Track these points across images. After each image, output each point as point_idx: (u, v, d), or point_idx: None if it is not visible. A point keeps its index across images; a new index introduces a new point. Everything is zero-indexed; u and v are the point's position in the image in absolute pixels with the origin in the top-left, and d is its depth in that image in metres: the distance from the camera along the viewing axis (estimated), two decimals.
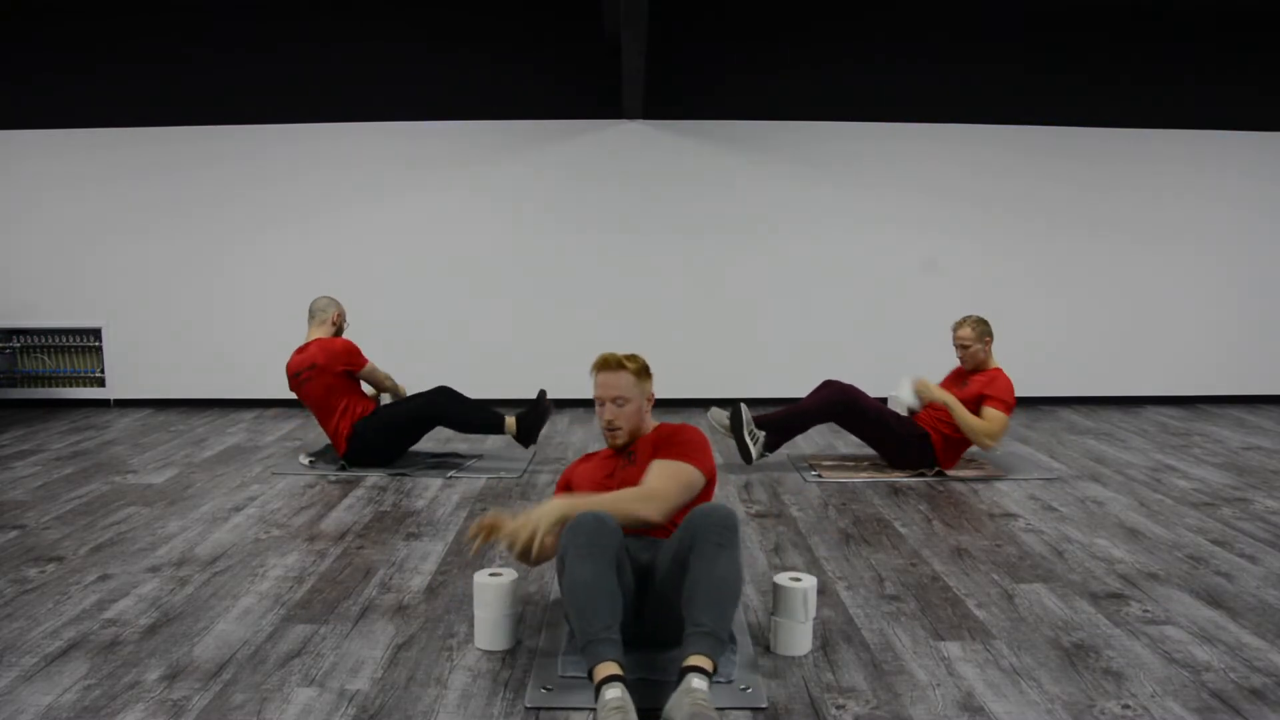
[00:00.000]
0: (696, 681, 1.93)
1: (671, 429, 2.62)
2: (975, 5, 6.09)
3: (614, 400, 2.61)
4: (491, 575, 2.41)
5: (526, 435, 4.40)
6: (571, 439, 5.19)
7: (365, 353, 4.58)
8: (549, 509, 2.26)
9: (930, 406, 4.38)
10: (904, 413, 4.41)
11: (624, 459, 2.64)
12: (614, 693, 1.90)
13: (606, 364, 2.63)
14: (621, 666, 1.98)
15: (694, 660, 1.98)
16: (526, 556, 2.24)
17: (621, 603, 2.10)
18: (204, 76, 6.07)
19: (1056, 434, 5.32)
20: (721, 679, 2.19)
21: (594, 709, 2.02)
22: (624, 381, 2.61)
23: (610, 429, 2.64)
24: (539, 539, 2.20)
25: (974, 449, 4.74)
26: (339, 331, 4.57)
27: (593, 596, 2.05)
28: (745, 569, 3.02)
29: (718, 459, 4.72)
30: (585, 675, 2.19)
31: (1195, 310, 6.35)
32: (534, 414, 4.39)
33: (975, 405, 4.26)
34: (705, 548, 2.12)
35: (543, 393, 4.42)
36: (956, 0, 6.08)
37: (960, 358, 4.44)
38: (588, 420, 5.78)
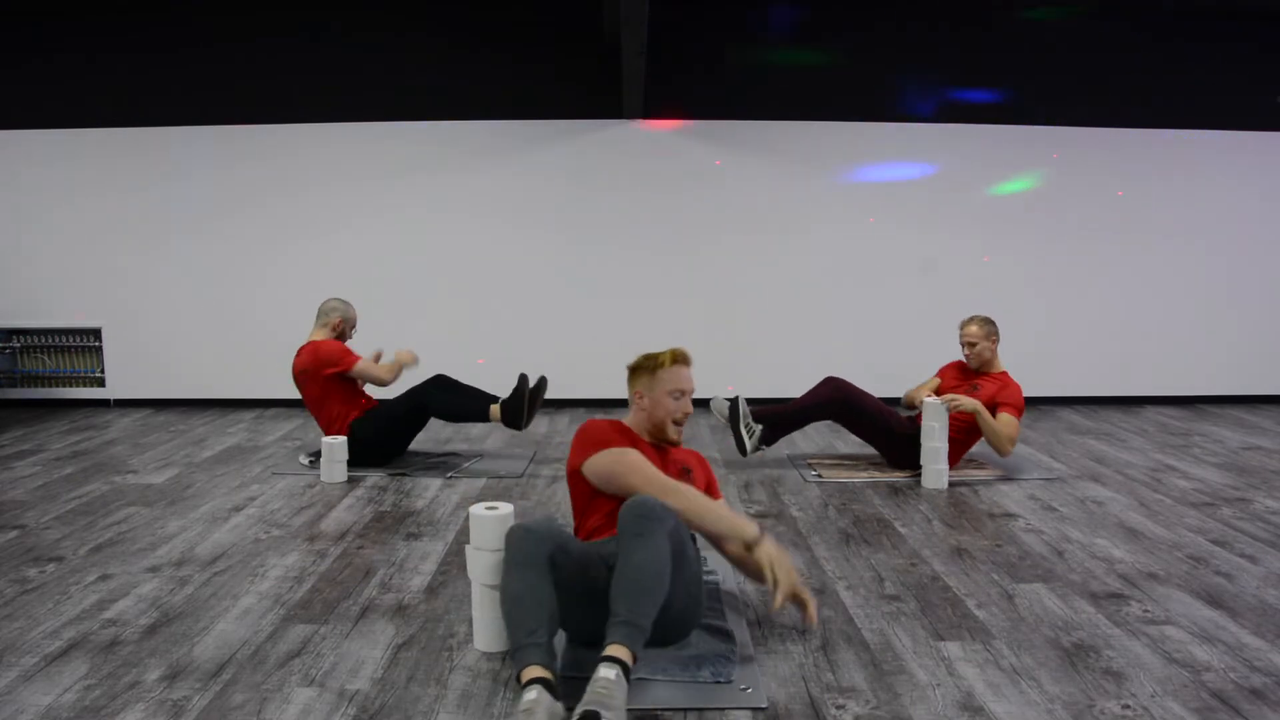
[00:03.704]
0: (603, 670, 1.94)
1: (702, 458, 2.80)
2: (975, 5, 6.09)
3: (689, 394, 2.71)
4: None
5: (513, 421, 4.33)
6: (571, 439, 5.18)
7: (363, 351, 4.56)
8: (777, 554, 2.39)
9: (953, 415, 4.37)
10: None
11: (675, 468, 2.67)
12: (529, 695, 1.91)
13: (687, 359, 2.73)
14: (547, 668, 1.98)
15: (608, 650, 2.00)
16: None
17: (553, 608, 2.11)
18: (205, 78, 6.07)
19: (1056, 434, 5.31)
20: (721, 679, 2.19)
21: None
22: (693, 378, 2.72)
23: (683, 422, 2.71)
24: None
25: (975, 450, 4.73)
26: (340, 336, 4.56)
27: (516, 606, 2.08)
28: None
29: (716, 456, 4.73)
30: (580, 676, 2.20)
31: (1195, 310, 6.35)
32: (515, 400, 4.33)
33: (989, 411, 4.24)
34: (624, 540, 2.16)
35: (522, 377, 4.39)
36: (956, 1, 6.08)
37: (966, 355, 4.44)
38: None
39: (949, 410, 4.13)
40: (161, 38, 6.04)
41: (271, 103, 6.10)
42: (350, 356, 4.43)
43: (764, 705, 2.09)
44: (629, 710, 2.06)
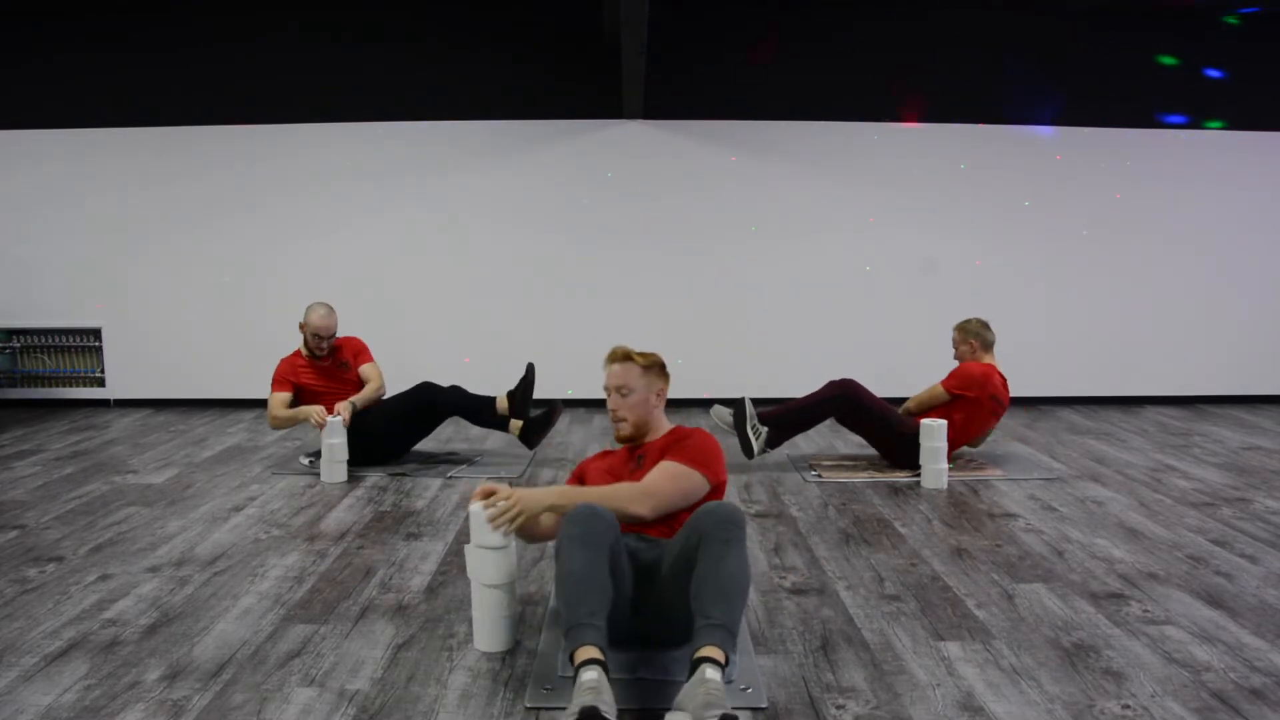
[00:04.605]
0: (710, 672, 1.92)
1: (685, 432, 2.61)
2: (975, 5, 6.09)
3: (618, 389, 2.63)
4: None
5: (520, 410, 4.35)
6: (572, 439, 5.19)
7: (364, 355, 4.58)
8: (540, 495, 2.36)
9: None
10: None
11: (633, 462, 2.63)
12: (590, 674, 1.91)
13: (614, 356, 2.68)
14: (602, 651, 1.98)
15: (707, 651, 1.97)
16: (521, 532, 2.40)
17: (610, 595, 2.10)
18: (205, 77, 6.07)
19: (1056, 434, 5.31)
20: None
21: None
22: (630, 372, 2.64)
23: (615, 419, 2.66)
24: (522, 520, 2.31)
25: (975, 450, 4.74)
26: (305, 342, 4.50)
27: (580, 585, 2.07)
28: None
29: None
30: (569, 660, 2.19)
31: (1195, 310, 6.35)
32: (522, 386, 4.36)
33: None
34: (713, 545, 2.12)
35: (530, 366, 4.42)
36: (956, 0, 6.08)
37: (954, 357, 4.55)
38: (588, 420, 5.78)
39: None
40: (161, 38, 6.04)
41: (271, 103, 6.10)
42: (272, 389, 4.42)
43: (764, 705, 2.09)
44: (629, 710, 2.06)
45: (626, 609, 2.29)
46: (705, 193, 6.16)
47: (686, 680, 1.95)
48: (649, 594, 2.31)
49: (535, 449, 4.43)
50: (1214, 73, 6.18)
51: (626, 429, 2.65)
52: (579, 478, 2.74)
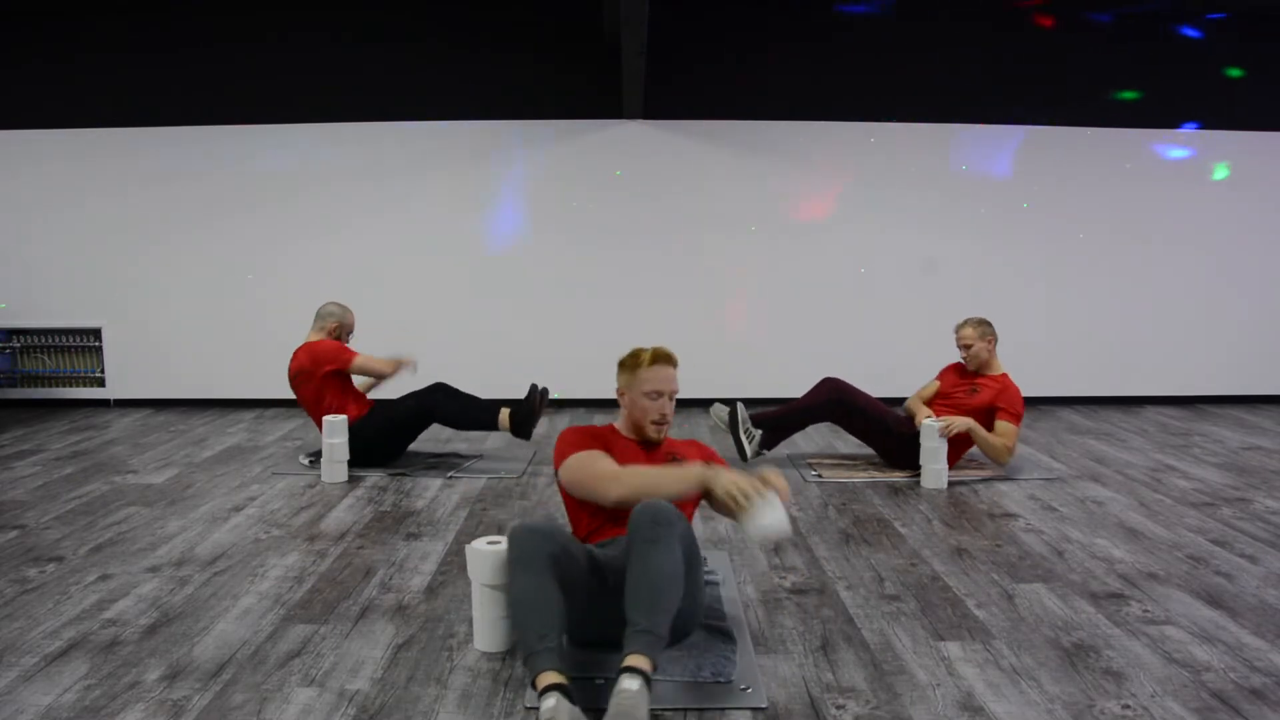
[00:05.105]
0: (626, 682, 1.91)
1: (702, 445, 2.76)
2: (975, 5, 6.09)
3: (671, 395, 2.60)
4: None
5: (521, 428, 4.37)
6: None
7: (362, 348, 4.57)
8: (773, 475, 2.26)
9: (939, 402, 4.40)
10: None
11: (662, 457, 2.64)
12: (549, 703, 1.89)
13: (668, 359, 2.62)
14: (562, 673, 1.96)
15: (628, 660, 1.96)
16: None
17: (562, 610, 2.08)
18: (205, 77, 6.07)
19: (1056, 434, 5.31)
20: (722, 679, 2.19)
21: (593, 708, 2.01)
22: (676, 376, 2.63)
23: (662, 423, 2.62)
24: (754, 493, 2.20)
25: (975, 450, 4.73)
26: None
27: (526, 610, 2.05)
28: (740, 568, 3.03)
29: None
30: (580, 676, 2.18)
31: (1195, 310, 6.35)
32: (527, 405, 4.36)
33: (987, 415, 4.25)
34: (638, 545, 2.12)
35: (534, 386, 4.41)
36: (955, 1, 6.08)
37: (964, 358, 4.44)
38: (587, 420, 5.78)
39: (943, 435, 4.08)
40: (161, 38, 6.04)
41: (271, 103, 6.10)
42: (347, 353, 4.40)
43: (764, 705, 2.09)
44: None
45: (615, 613, 2.26)
46: (705, 193, 6.16)
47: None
48: (620, 598, 2.29)
49: (529, 440, 4.46)
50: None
51: (667, 431, 2.66)
52: (599, 444, 2.58)
